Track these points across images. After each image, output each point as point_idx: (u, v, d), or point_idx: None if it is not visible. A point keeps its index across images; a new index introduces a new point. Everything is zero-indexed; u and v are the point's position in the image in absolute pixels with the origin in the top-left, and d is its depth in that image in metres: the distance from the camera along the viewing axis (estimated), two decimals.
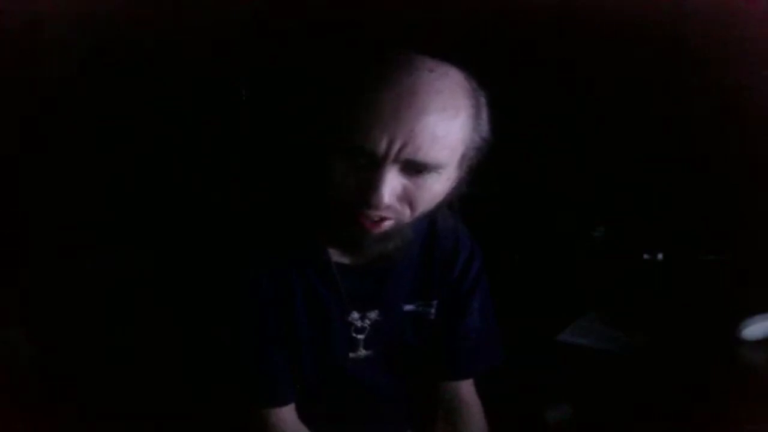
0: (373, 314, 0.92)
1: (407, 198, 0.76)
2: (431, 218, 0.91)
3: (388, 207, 0.75)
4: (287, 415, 0.89)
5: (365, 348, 0.93)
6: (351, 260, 0.89)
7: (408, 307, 0.95)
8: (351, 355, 0.93)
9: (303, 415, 0.91)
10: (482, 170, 0.81)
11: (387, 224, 0.78)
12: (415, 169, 0.73)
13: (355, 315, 0.91)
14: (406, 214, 0.78)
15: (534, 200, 1.61)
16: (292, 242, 0.87)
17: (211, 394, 0.92)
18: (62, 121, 1.45)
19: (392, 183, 0.73)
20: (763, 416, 0.97)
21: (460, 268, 0.97)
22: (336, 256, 0.88)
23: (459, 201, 0.83)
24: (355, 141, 0.71)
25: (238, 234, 0.88)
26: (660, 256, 1.43)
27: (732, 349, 1.18)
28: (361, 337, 0.92)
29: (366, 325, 0.92)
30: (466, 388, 1.02)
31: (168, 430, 1.10)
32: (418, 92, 0.71)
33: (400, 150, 0.71)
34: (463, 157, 0.78)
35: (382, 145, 0.70)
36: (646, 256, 1.44)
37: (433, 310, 0.96)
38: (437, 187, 0.77)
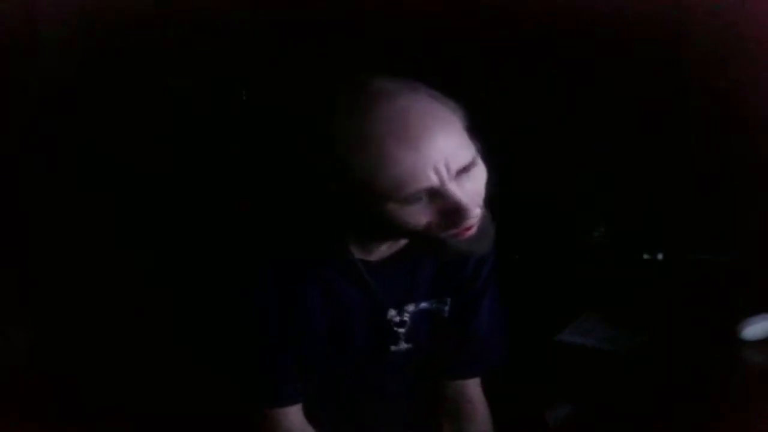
0: (410, 307, 0.94)
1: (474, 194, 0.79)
2: None
3: (477, 211, 0.77)
4: (293, 415, 0.89)
5: (406, 341, 0.95)
6: (373, 257, 0.89)
7: (423, 305, 0.96)
8: (393, 348, 0.95)
9: (311, 415, 0.91)
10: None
11: (477, 220, 0.80)
12: (462, 172, 0.76)
13: (393, 312, 0.93)
14: (481, 205, 0.80)
15: (534, 200, 1.61)
16: (311, 242, 0.87)
17: (217, 393, 0.92)
18: (63, 120, 1.45)
19: (462, 192, 0.76)
20: (763, 416, 0.97)
21: (473, 267, 0.98)
22: (357, 253, 0.88)
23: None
24: (409, 188, 0.73)
25: (252, 235, 0.88)
26: (660, 256, 1.43)
27: (732, 349, 1.18)
28: (402, 330, 0.94)
29: (405, 318, 0.94)
30: (473, 387, 1.03)
31: (171, 430, 1.11)
32: (419, 115, 0.73)
33: (449, 169, 0.74)
34: (476, 149, 0.79)
35: (434, 178, 0.73)
36: (646, 256, 1.44)
37: (447, 308, 0.97)
38: (482, 176, 0.80)
